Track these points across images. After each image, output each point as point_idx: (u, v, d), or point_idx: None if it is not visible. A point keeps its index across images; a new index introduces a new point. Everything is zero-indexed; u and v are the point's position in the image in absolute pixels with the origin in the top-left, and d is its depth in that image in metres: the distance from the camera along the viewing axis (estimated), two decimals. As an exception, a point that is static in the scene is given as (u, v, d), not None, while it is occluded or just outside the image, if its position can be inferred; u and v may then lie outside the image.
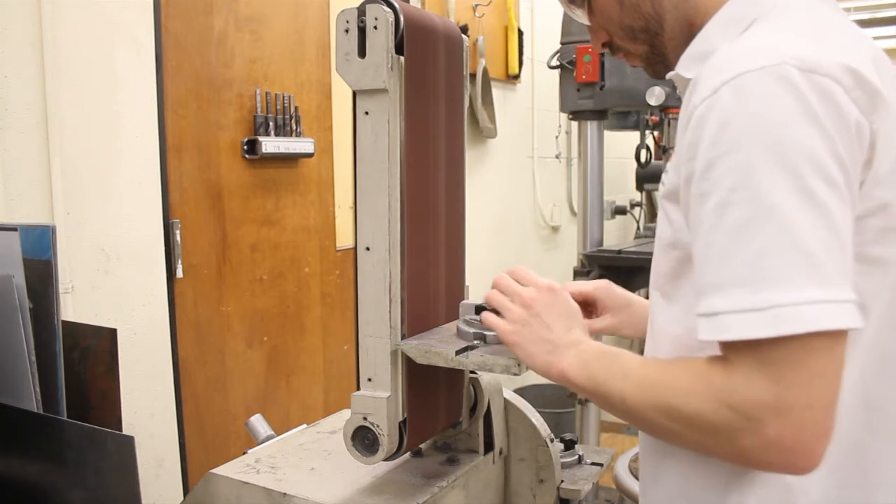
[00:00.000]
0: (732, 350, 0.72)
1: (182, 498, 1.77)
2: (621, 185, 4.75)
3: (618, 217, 4.51)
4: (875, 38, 4.25)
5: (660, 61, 0.95)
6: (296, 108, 2.51)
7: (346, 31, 1.01)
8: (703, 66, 0.78)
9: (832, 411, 0.71)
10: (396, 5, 1.01)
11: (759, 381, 0.70)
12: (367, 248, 1.05)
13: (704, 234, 0.73)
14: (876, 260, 0.78)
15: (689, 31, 0.89)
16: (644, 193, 4.50)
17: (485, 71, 3.44)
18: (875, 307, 0.80)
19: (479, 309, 1.07)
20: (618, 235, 4.72)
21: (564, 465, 1.33)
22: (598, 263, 2.96)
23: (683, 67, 0.88)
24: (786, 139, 0.69)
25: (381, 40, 0.99)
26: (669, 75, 0.93)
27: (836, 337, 0.70)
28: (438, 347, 1.02)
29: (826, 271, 0.68)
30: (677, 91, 0.93)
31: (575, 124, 3.37)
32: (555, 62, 2.99)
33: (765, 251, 0.69)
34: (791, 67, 0.71)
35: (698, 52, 0.86)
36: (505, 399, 1.29)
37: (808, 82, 0.70)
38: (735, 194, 0.70)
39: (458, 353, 0.99)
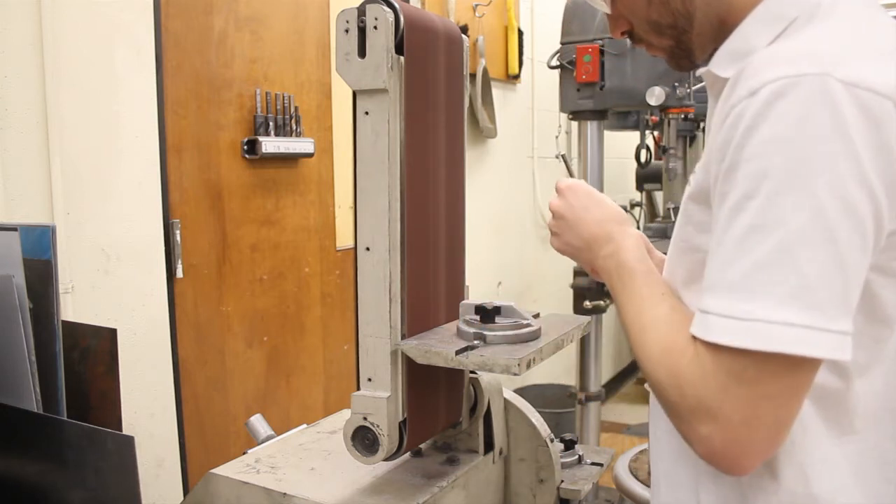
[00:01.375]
0: (706, 347, 0.72)
1: (182, 498, 1.77)
2: (621, 185, 4.75)
3: (618, 217, 4.50)
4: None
5: (685, 56, 0.92)
6: (296, 108, 2.51)
7: (346, 31, 1.01)
8: (741, 65, 0.75)
9: (775, 434, 0.71)
10: (396, 5, 1.01)
11: (711, 383, 0.71)
12: (367, 248, 1.05)
13: (718, 233, 0.73)
14: None
15: (720, 28, 0.86)
16: (644, 193, 4.50)
17: (485, 71, 3.44)
18: None
19: (478, 309, 1.08)
20: (618, 235, 4.71)
21: (564, 465, 1.33)
22: (598, 263, 2.96)
23: (718, 65, 0.84)
24: (811, 156, 0.67)
25: (381, 40, 0.99)
26: (700, 72, 0.90)
27: (802, 364, 0.69)
28: (438, 347, 1.02)
29: (816, 298, 0.67)
30: (707, 87, 0.90)
31: (575, 124, 3.37)
32: (555, 62, 2.99)
33: (762, 264, 0.68)
34: (834, 80, 0.67)
35: (735, 50, 0.82)
36: (505, 399, 1.29)
37: (849, 97, 0.67)
38: (749, 201, 0.70)
39: (458, 353, 0.99)
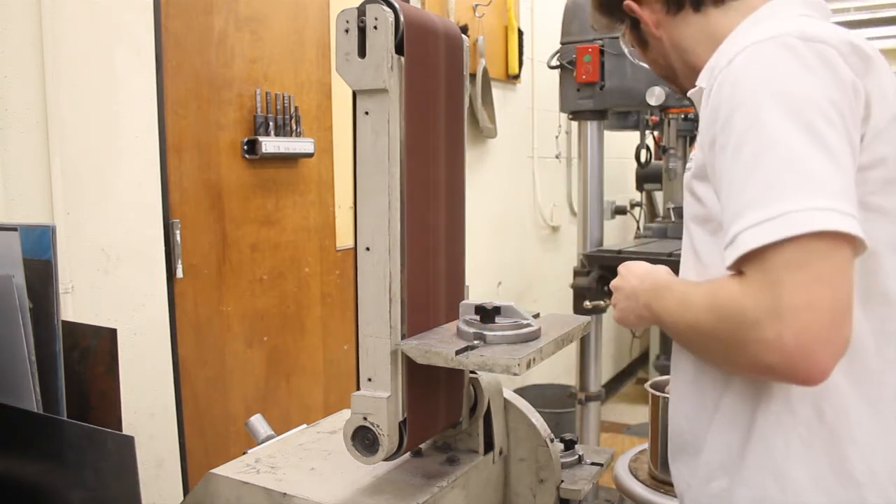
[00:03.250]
0: (745, 264, 0.78)
1: (182, 498, 1.77)
2: (621, 185, 4.75)
3: (618, 217, 4.51)
4: (875, 38, 4.25)
5: (680, 90, 1.13)
6: (296, 108, 2.51)
7: (346, 31, 1.01)
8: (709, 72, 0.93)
9: (839, 318, 0.74)
10: (396, 5, 1.01)
11: (761, 286, 0.75)
12: (367, 248, 1.05)
13: (726, 176, 0.82)
14: (879, 208, 0.86)
15: (696, 73, 1.02)
16: (644, 193, 4.51)
17: (485, 71, 3.44)
18: (890, 258, 0.87)
19: (479, 309, 1.08)
20: (618, 235, 4.72)
21: (564, 465, 1.33)
22: (598, 263, 2.96)
23: (702, 79, 0.99)
24: (789, 87, 0.80)
25: (381, 40, 0.99)
26: (690, 93, 1.04)
27: (838, 242, 0.74)
28: (438, 347, 1.02)
29: (829, 188, 0.75)
30: (696, 106, 1.03)
31: (575, 124, 3.37)
32: (555, 62, 2.99)
33: (775, 174, 0.77)
34: (791, 37, 0.83)
35: (710, 66, 0.97)
36: (505, 399, 1.29)
37: (807, 48, 0.82)
38: (747, 134, 0.80)
39: (458, 353, 0.99)
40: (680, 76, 1.10)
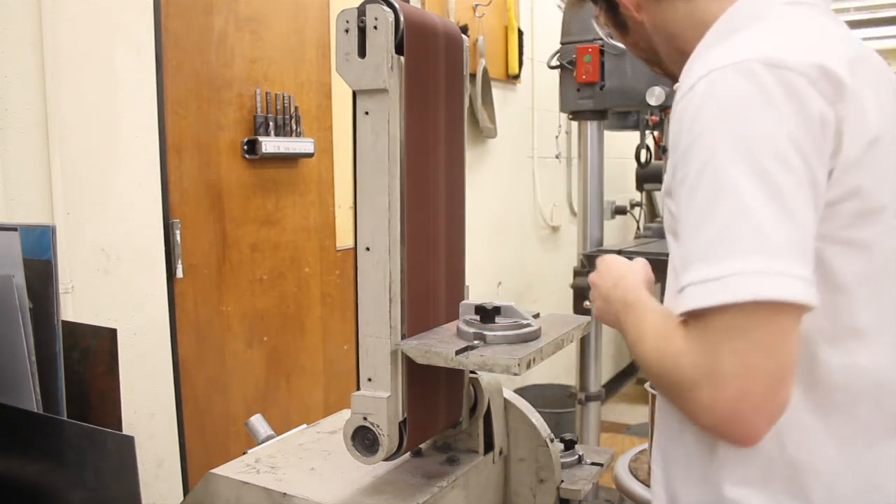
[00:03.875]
0: (690, 320, 0.77)
1: (182, 498, 1.77)
2: (621, 185, 4.75)
3: (618, 217, 4.51)
4: (875, 39, 4.23)
5: (670, 76, 1.05)
6: (296, 108, 2.51)
7: (346, 31, 1.01)
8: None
9: (776, 385, 0.73)
10: (396, 5, 1.01)
11: (701, 347, 0.74)
12: (367, 248, 1.05)
13: (684, 213, 0.80)
14: (851, 242, 0.82)
15: (684, 57, 0.96)
16: (644, 193, 4.50)
17: (485, 71, 3.44)
18: (861, 291, 0.83)
19: (479, 309, 1.08)
20: (618, 235, 4.72)
21: (564, 465, 1.33)
22: (598, 263, 2.95)
23: (680, 80, 0.95)
24: (746, 126, 0.76)
25: (381, 40, 0.99)
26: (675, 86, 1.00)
27: (780, 309, 0.72)
28: (438, 347, 1.02)
29: (773, 244, 0.72)
30: None
31: (575, 124, 3.37)
32: (555, 62, 2.99)
33: (724, 227, 0.74)
34: (755, 63, 0.77)
35: (688, 66, 0.93)
36: (505, 399, 1.29)
37: (770, 75, 0.77)
38: (702, 176, 0.77)
39: (458, 353, 0.99)
40: (665, 60, 1.04)
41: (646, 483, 1.91)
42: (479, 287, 3.47)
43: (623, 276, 1.00)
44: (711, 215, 0.75)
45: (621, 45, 1.14)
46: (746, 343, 0.72)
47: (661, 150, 3.58)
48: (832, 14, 0.93)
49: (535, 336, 1.06)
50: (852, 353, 0.84)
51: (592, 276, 1.08)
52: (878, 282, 0.84)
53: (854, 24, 3.61)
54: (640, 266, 1.03)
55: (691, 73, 0.84)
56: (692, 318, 0.76)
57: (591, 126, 3.07)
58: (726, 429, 0.74)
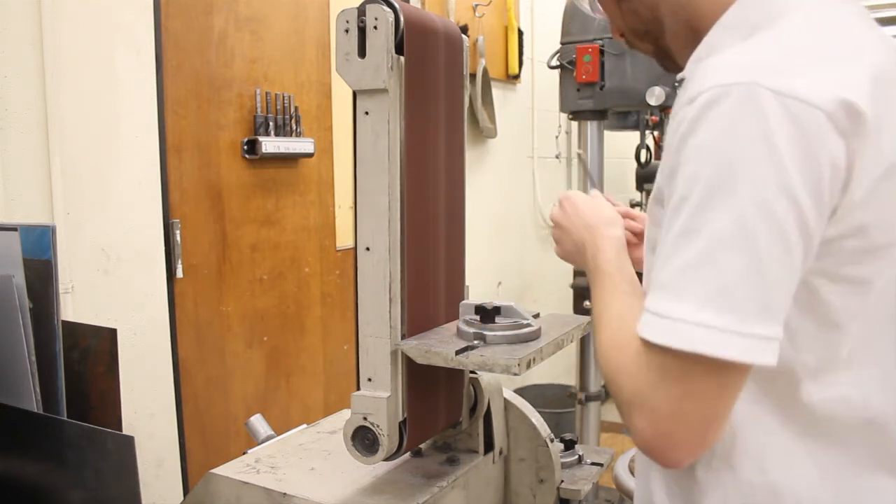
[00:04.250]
0: (642, 343, 0.75)
1: (182, 498, 1.77)
2: (621, 185, 4.75)
3: (618, 217, 4.51)
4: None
5: (667, 58, 0.96)
6: (296, 108, 2.51)
7: (346, 31, 1.01)
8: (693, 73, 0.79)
9: (704, 430, 0.73)
10: (396, 5, 1.01)
11: (643, 376, 0.74)
12: (367, 248, 1.05)
13: (664, 228, 0.76)
14: (851, 280, 0.77)
15: (691, 34, 0.88)
16: (644, 193, 4.50)
17: (485, 71, 3.44)
18: (853, 326, 0.79)
19: (479, 309, 1.07)
20: (618, 235, 4.71)
21: (564, 465, 1.33)
22: (598, 263, 2.95)
23: (687, 71, 0.88)
24: (735, 163, 0.69)
25: (381, 40, 0.99)
26: (679, 76, 0.92)
27: (724, 366, 0.70)
28: (438, 347, 1.02)
29: (735, 302, 0.68)
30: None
31: (575, 124, 3.37)
32: (555, 62, 2.99)
33: (688, 265, 0.71)
34: (762, 89, 0.69)
35: (699, 59, 0.85)
36: (505, 399, 1.29)
37: (777, 106, 0.68)
38: (683, 204, 0.72)
39: (458, 353, 0.99)
40: (667, 35, 0.92)
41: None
42: (479, 287, 3.47)
43: (591, 227, 0.99)
44: (682, 247, 0.71)
45: (620, 41, 1.02)
46: (681, 389, 0.71)
47: (661, 150, 3.58)
48: (864, 10, 0.84)
49: (535, 336, 1.06)
50: (839, 385, 0.80)
51: (555, 214, 1.07)
52: (872, 313, 0.80)
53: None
54: (615, 217, 1.01)
55: (698, 76, 0.75)
56: (646, 343, 0.74)
57: (591, 126, 3.07)
58: (652, 454, 0.75)
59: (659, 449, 0.74)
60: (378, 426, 1.04)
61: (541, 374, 3.98)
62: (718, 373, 0.71)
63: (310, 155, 2.56)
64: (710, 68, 0.75)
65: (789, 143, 0.68)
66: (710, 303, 0.69)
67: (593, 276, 0.95)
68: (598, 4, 1.00)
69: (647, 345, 0.74)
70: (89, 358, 1.28)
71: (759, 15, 0.80)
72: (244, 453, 1.25)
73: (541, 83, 3.97)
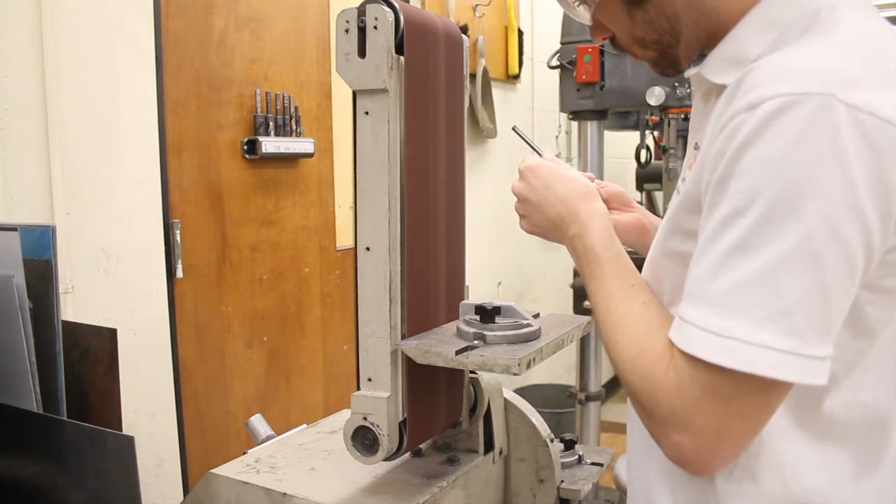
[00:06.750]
0: (683, 357, 0.73)
1: (182, 498, 1.77)
2: (621, 185, 4.74)
3: (618, 217, 4.50)
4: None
5: (670, 65, 0.92)
6: (296, 108, 2.51)
7: (346, 31, 1.01)
8: (742, 73, 0.73)
9: (742, 445, 0.73)
10: (396, 5, 1.01)
11: (686, 394, 0.72)
12: (367, 248, 1.05)
13: (704, 241, 0.73)
14: (891, 290, 0.76)
15: (707, 40, 0.85)
16: (644, 193, 4.50)
17: (485, 71, 3.44)
18: (884, 334, 0.79)
19: (479, 309, 1.07)
20: (618, 235, 4.71)
21: (564, 465, 1.33)
22: (598, 263, 2.95)
23: (711, 71, 0.83)
24: (804, 181, 0.65)
25: (381, 40, 0.99)
26: (688, 73, 0.89)
27: (776, 385, 0.70)
28: (438, 347, 1.02)
29: (796, 324, 0.67)
30: (693, 88, 0.91)
31: (575, 124, 3.37)
32: (555, 62, 2.99)
33: (745, 283, 0.68)
34: (838, 101, 0.65)
35: (732, 57, 0.80)
36: (505, 399, 1.29)
37: (852, 121, 0.65)
38: (738, 218, 0.68)
39: (458, 353, 0.99)
40: (683, 43, 0.87)
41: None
42: (479, 287, 3.47)
43: (567, 201, 0.95)
44: (736, 263, 0.68)
45: (601, 43, 0.99)
46: (728, 407, 0.70)
47: (661, 150, 3.57)
48: (883, 19, 0.81)
49: (535, 336, 1.06)
50: (858, 390, 0.80)
51: (517, 187, 1.02)
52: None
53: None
54: (589, 186, 0.97)
55: (754, 84, 0.70)
56: (687, 357, 0.72)
57: (591, 126, 3.07)
58: (687, 467, 0.75)
59: (697, 462, 0.73)
60: (378, 426, 1.04)
61: (541, 374, 3.98)
62: (768, 391, 0.70)
63: (310, 155, 2.56)
64: (770, 72, 0.70)
65: (861, 162, 0.65)
66: (771, 323, 0.67)
67: (585, 259, 0.90)
68: (574, 7, 0.94)
69: (692, 360, 0.71)
70: (89, 358, 1.28)
71: (792, 15, 0.77)
72: (244, 453, 1.25)
73: (541, 83, 3.97)
